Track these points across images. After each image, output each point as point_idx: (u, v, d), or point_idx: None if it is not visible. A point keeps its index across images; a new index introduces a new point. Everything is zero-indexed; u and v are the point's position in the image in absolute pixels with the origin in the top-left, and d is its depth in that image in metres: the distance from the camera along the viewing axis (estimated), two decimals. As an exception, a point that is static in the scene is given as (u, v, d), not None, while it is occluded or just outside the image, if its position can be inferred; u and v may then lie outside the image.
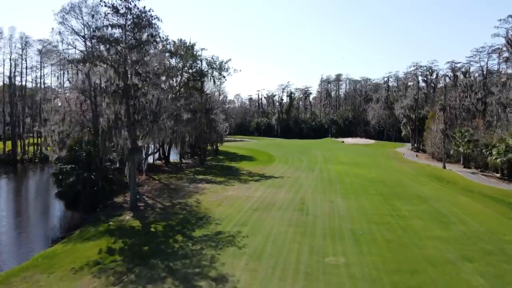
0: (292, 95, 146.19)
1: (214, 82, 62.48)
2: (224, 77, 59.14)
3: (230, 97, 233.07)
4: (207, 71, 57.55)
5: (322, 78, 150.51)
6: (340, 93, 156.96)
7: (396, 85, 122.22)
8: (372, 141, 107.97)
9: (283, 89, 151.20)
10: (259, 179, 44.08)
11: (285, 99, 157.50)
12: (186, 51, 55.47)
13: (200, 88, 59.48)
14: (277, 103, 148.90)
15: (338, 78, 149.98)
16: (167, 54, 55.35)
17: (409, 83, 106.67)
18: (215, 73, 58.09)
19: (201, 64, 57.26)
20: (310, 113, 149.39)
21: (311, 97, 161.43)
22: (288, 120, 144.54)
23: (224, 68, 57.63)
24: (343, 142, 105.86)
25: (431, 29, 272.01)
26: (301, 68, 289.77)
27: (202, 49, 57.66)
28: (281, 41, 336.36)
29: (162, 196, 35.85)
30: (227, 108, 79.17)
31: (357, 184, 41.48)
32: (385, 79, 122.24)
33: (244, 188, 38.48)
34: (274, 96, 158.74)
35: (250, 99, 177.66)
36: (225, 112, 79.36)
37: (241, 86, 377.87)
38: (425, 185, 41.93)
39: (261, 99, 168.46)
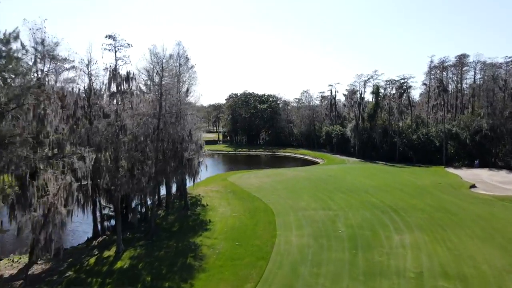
0: (380, 91, 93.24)
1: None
2: None
3: (296, 95, 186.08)
4: None
5: (431, 63, 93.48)
6: (464, 86, 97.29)
7: None
8: (543, 185, 50.76)
9: (365, 82, 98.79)
10: None
11: (368, 98, 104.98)
12: None
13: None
14: (356, 103, 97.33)
15: (460, 61, 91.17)
16: None
17: None
18: None
19: None
20: (411, 120, 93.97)
21: (413, 93, 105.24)
22: (373, 130, 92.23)
23: None
24: (473, 187, 51.11)
25: None
26: (394, 50, 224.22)
27: None
28: (364, 17, 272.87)
29: None
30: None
31: None
32: None
33: None
34: (355, 92, 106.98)
35: (322, 98, 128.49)
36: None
37: (311, 79, 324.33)
38: None
39: (335, 97, 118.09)
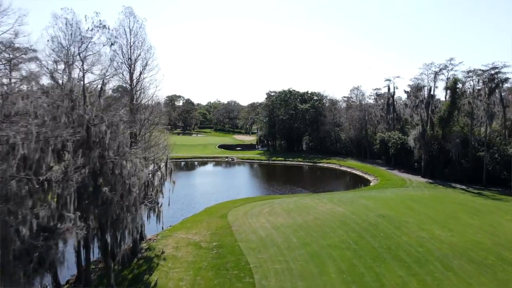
0: (458, 86, 68.32)
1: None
2: None
3: (344, 92, 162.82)
4: None
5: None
6: None
7: None
8: None
9: (436, 74, 73.76)
10: None
11: (440, 95, 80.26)
12: None
13: None
14: (422, 103, 72.97)
15: None
16: None
17: None
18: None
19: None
20: (503, 126, 67.66)
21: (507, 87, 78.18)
22: (446, 139, 68.03)
23: None
24: None
25: None
26: (475, 32, 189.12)
27: None
28: None
29: None
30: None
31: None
32: None
33: None
34: (421, 88, 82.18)
35: (377, 96, 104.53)
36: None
37: (364, 73, 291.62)
38: None
39: (393, 95, 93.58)
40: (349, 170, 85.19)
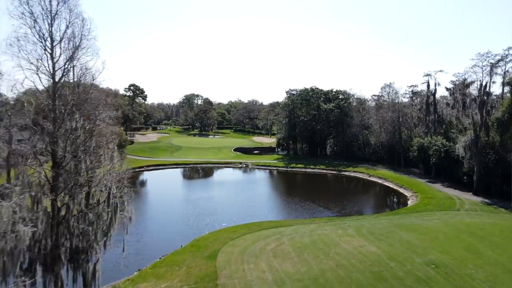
0: (521, 80, 54.58)
1: None
2: None
3: (374, 90, 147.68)
4: None
5: None
6: None
7: None
8: None
9: (492, 66, 59.86)
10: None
11: (496, 92, 66.62)
12: None
13: None
14: (474, 102, 59.41)
15: None
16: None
17: None
18: None
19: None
20: None
21: None
22: (506, 147, 54.47)
23: None
24: None
25: None
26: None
27: None
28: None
29: None
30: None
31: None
32: None
33: None
34: (469, 85, 68.23)
35: (413, 94, 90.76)
36: None
37: (397, 68, 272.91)
38: None
39: (434, 93, 79.70)
40: (380, 181, 72.50)
